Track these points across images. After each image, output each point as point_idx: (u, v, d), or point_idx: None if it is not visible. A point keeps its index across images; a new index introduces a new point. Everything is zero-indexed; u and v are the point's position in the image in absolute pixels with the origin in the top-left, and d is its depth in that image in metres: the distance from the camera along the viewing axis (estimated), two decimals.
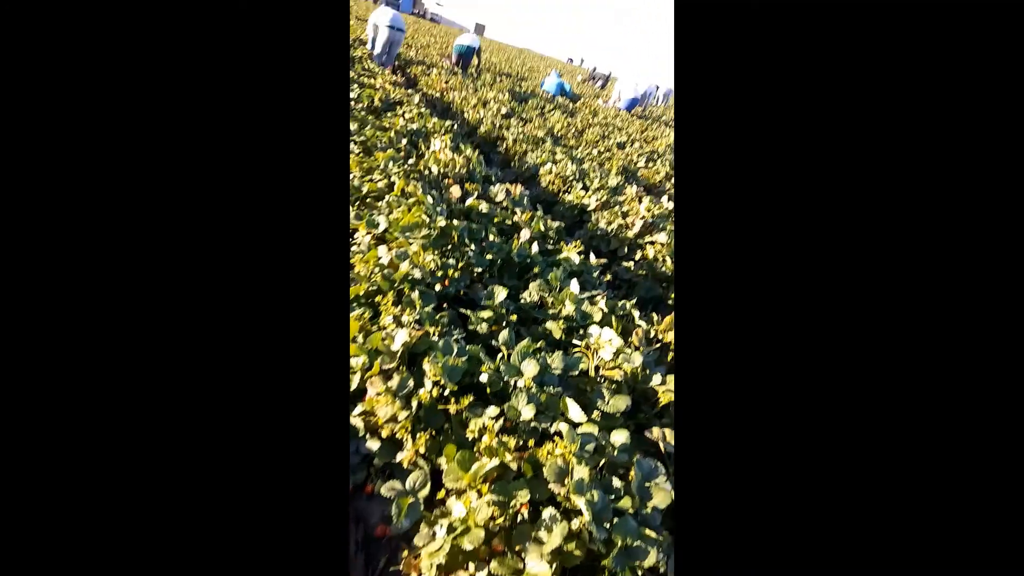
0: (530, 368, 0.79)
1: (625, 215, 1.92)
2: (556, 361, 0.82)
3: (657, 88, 11.79)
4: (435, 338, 0.88)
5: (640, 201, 2.09)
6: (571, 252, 1.39)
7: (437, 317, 0.95)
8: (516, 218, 1.56)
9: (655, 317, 1.12)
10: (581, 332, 1.03)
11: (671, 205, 2.07)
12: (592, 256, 1.40)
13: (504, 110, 3.75)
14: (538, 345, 0.86)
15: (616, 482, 0.65)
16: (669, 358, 1.05)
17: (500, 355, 0.85)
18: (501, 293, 1.05)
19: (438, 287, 1.10)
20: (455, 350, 0.83)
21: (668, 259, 1.61)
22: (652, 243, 1.73)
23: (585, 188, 2.26)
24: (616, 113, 6.26)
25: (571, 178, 2.35)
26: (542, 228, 1.50)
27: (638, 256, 1.71)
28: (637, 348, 1.00)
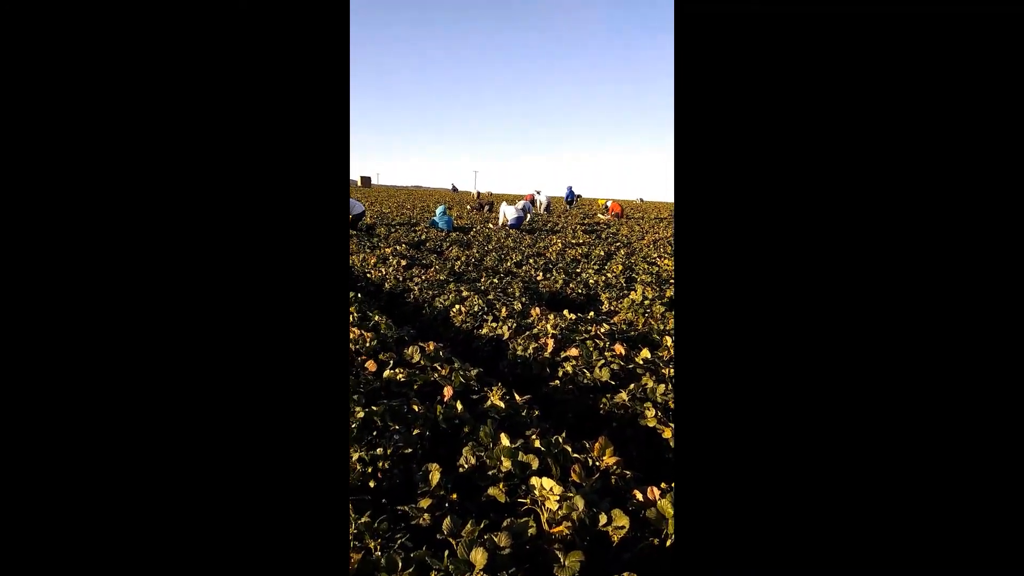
0: (479, 557, 0.78)
1: (537, 337, 2.10)
2: (504, 540, 0.82)
3: (538, 194, 13.92)
4: (377, 553, 0.84)
5: (545, 319, 2.32)
6: (495, 397, 1.46)
7: (376, 526, 0.92)
8: (436, 376, 1.63)
9: (586, 445, 1.20)
10: (524, 488, 1.05)
11: (572, 315, 2.33)
12: (515, 394, 1.49)
13: (404, 262, 4.05)
14: (481, 527, 0.87)
15: None
16: (613, 481, 1.11)
17: (447, 552, 0.83)
18: (436, 473, 1.05)
19: (372, 484, 1.07)
20: (400, 565, 0.80)
21: (586, 371, 1.77)
22: (567, 359, 1.89)
23: (496, 319, 2.45)
24: (507, 233, 7.08)
25: (480, 313, 2.54)
26: (463, 379, 1.58)
27: (560, 373, 1.84)
28: (580, 484, 1.05)
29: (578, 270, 4.15)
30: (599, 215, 13.82)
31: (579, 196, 22.45)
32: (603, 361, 1.77)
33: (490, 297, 2.83)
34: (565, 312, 2.38)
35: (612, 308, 3.05)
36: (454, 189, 32.09)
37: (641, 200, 34.69)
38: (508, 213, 8.14)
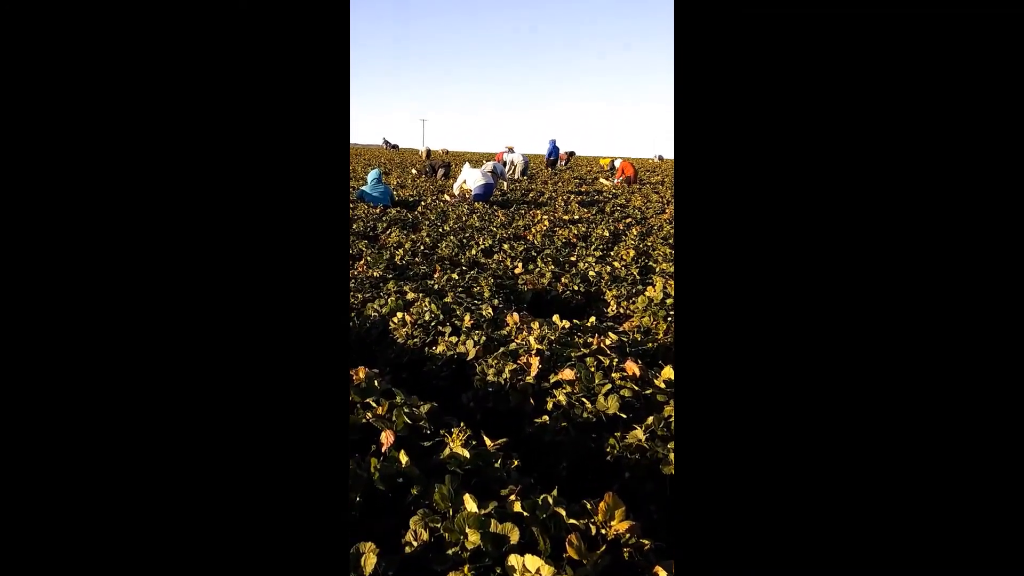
0: None
1: (516, 355, 2.11)
2: None
3: (509, 152, 14.09)
4: None
5: (527, 329, 2.33)
6: (456, 443, 1.46)
7: None
8: (370, 416, 1.61)
9: (587, 506, 1.21)
10: (499, 571, 1.05)
11: (565, 323, 2.35)
12: (485, 438, 1.49)
13: None
14: None
15: None
16: (626, 555, 1.12)
17: None
18: (370, 557, 1.03)
19: None
20: None
21: (586, 401, 1.78)
22: (559, 385, 1.90)
23: (456, 331, 2.44)
24: (470, 208, 7.08)
25: (434, 324, 2.53)
26: (409, 420, 1.57)
27: (549, 405, 1.85)
28: (579, 563, 1.06)
29: (573, 258, 4.19)
30: (601, 180, 14.00)
31: (572, 154, 22.78)
32: (609, 386, 1.79)
33: (447, 300, 2.82)
34: (556, 319, 2.40)
35: (621, 311, 3.09)
36: (390, 146, 31.57)
37: (660, 159, 35.32)
38: (471, 179, 8.11)
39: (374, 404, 1.68)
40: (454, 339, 2.33)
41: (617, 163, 14.78)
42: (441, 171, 13.35)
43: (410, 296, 2.97)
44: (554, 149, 17.34)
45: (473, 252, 4.39)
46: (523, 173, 14.07)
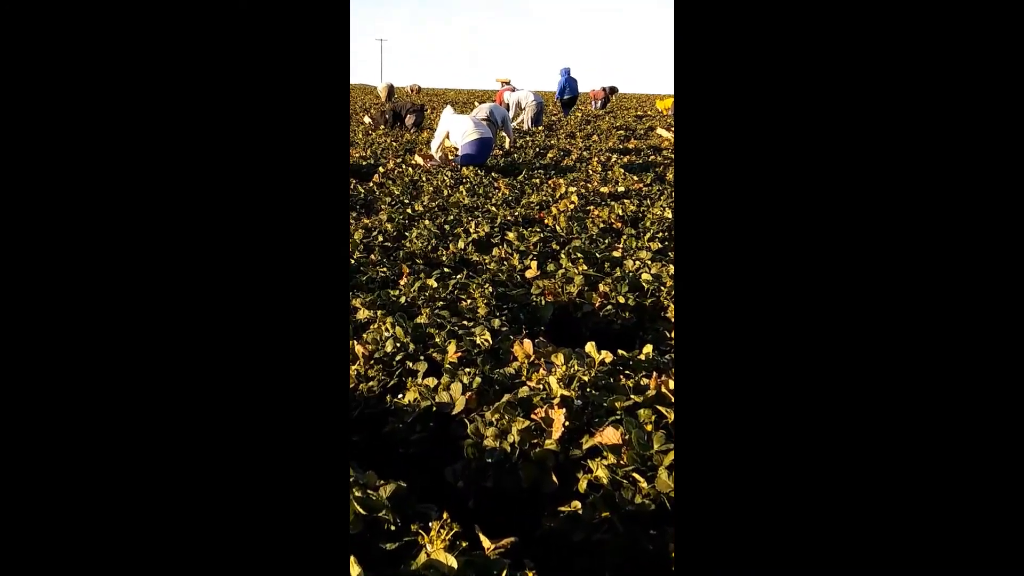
0: None
1: (529, 406, 2.11)
2: None
3: (512, 92, 14.12)
4: None
5: (546, 365, 2.33)
6: (437, 546, 1.46)
7: None
8: None
9: None
10: None
11: (606, 355, 2.35)
12: (482, 536, 1.49)
13: None
14: None
15: None
16: None
17: None
18: None
19: None
20: None
21: (639, 478, 1.78)
22: (599, 451, 1.90)
23: (435, 369, 2.45)
24: (456, 176, 7.11)
25: (400, 357, 2.54)
26: (361, 509, 1.57)
27: (582, 485, 1.85)
28: None
29: (616, 253, 4.20)
30: (660, 131, 14.04)
31: (614, 90, 22.83)
32: (673, 455, 1.79)
33: (421, 321, 2.83)
34: (591, 349, 2.40)
35: None
36: None
37: None
38: (458, 131, 8.14)
39: None
40: (432, 382, 2.34)
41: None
42: (410, 119, 13.43)
43: (362, 315, 2.99)
44: (567, 83, 17.35)
45: (461, 245, 4.42)
46: (535, 121, 14.11)
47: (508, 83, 14.78)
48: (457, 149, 8.09)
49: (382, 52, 61.94)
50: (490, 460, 1.98)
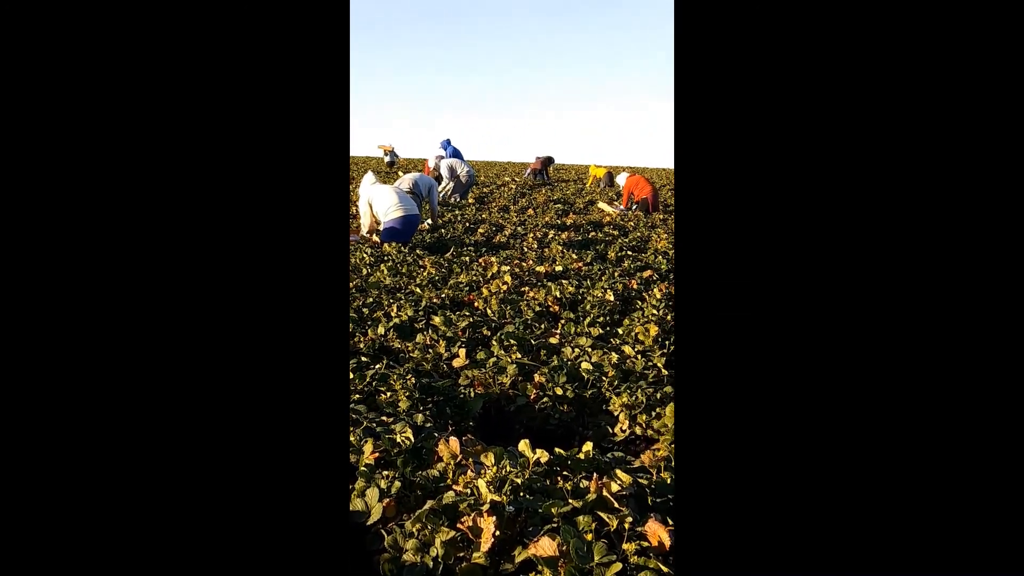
0: None
1: (455, 514, 2.08)
2: None
3: (439, 159, 14.03)
4: None
5: (474, 467, 2.30)
6: None
7: None
8: None
9: None
10: None
11: (542, 454, 2.34)
12: None
13: None
14: None
15: None
16: None
17: None
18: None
19: None
20: None
21: None
22: (533, 566, 1.87)
23: (349, 472, 2.39)
24: (374, 256, 7.12)
25: None
26: None
27: None
28: None
29: (554, 340, 4.23)
30: (601, 204, 14.36)
31: (550, 160, 23.30)
32: (619, 567, 1.78)
33: None
34: (524, 447, 2.39)
35: (638, 431, 3.10)
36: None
37: None
38: (382, 203, 8.12)
39: None
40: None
41: (622, 179, 15.10)
42: None
43: None
44: (453, 156, 15.33)
45: (381, 331, 4.39)
46: (462, 194, 14.24)
47: (392, 150, 14.69)
48: (383, 222, 8.05)
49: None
50: None
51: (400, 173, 19.82)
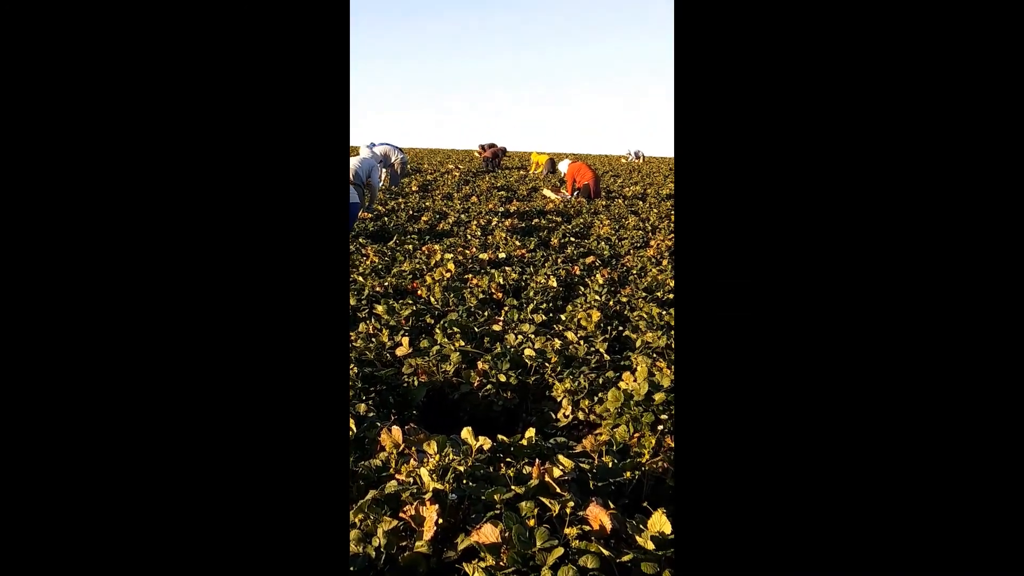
0: None
1: (397, 503, 2.07)
2: None
3: (371, 147, 13.76)
4: None
5: (417, 455, 2.29)
6: None
7: None
8: None
9: None
10: None
11: (484, 441, 2.34)
12: None
13: None
14: None
15: None
16: None
17: None
18: None
19: None
20: None
21: None
22: (476, 552, 1.87)
23: None
24: None
25: None
26: None
27: None
28: None
29: (497, 327, 4.23)
30: (546, 191, 14.38)
31: (502, 151, 23.25)
32: (561, 551, 1.79)
33: None
34: (467, 435, 2.39)
35: (580, 416, 3.12)
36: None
37: (638, 157, 37.02)
38: None
39: None
40: None
41: (564, 166, 15.09)
42: None
43: None
44: (373, 161, 15.11)
45: None
46: (395, 180, 14.08)
47: (374, 145, 14.50)
48: None
49: None
50: (352, 568, 1.92)
51: None
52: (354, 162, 9.58)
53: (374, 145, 15.04)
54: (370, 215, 9.57)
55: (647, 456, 2.64)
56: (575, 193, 13.50)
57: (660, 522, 1.88)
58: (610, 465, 2.45)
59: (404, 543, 1.95)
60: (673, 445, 2.65)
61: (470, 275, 5.84)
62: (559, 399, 3.25)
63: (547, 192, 14.30)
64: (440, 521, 1.95)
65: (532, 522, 1.92)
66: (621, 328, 4.40)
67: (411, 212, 10.33)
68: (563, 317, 4.59)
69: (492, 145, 23.22)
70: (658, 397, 2.89)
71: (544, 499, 2.02)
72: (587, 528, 1.90)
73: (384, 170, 13.68)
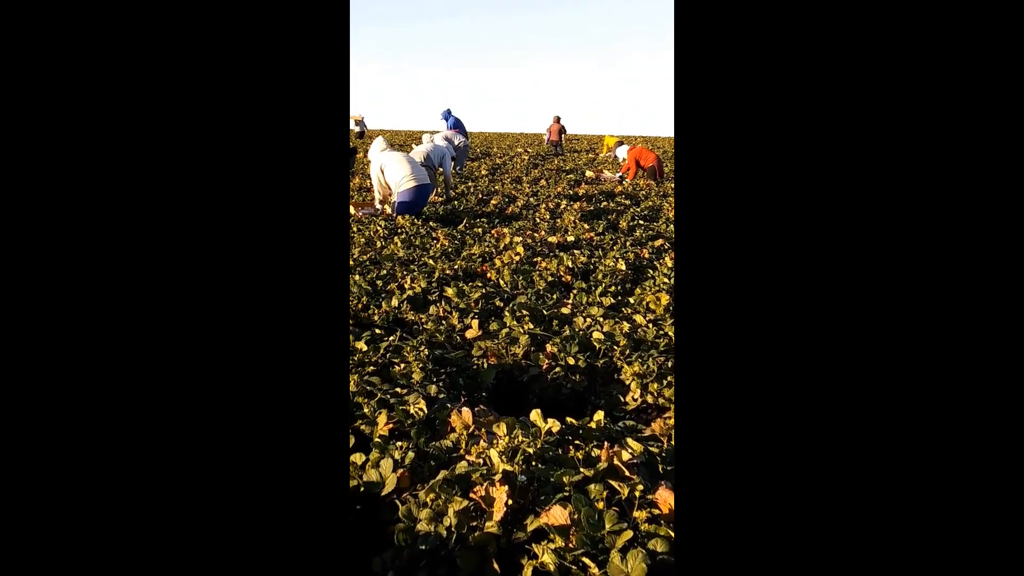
0: None
1: (468, 484, 2.08)
2: None
3: (433, 134, 13.86)
4: None
5: (487, 437, 2.31)
6: None
7: None
8: None
9: None
10: None
11: (553, 423, 2.34)
12: None
13: None
14: None
15: None
16: None
17: None
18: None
19: None
20: None
21: (590, 563, 1.77)
22: (545, 534, 1.88)
23: (364, 443, 2.40)
24: (388, 228, 7.11)
25: None
26: None
27: (527, 573, 1.82)
28: None
29: (566, 310, 4.23)
30: (605, 172, 14.29)
31: (563, 131, 23.17)
32: (630, 535, 1.78)
33: (350, 388, 2.79)
34: (536, 417, 2.39)
35: (649, 399, 3.10)
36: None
37: None
38: (395, 174, 7.94)
39: None
40: (359, 458, 2.30)
41: (622, 152, 14.93)
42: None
43: None
44: (455, 127, 15.50)
45: (394, 303, 4.39)
46: (459, 163, 14.08)
47: (362, 120, 14.54)
48: (397, 192, 7.94)
49: None
50: (424, 547, 1.94)
51: (370, 140, 20.13)
52: (426, 146, 9.60)
53: (449, 115, 15.18)
54: (441, 199, 9.63)
55: None
56: (641, 174, 13.37)
57: None
58: None
59: (474, 523, 1.96)
60: None
61: (539, 258, 5.83)
62: (627, 382, 3.23)
63: (607, 173, 14.24)
64: (510, 502, 1.96)
65: (601, 505, 1.92)
66: None
67: (480, 195, 10.36)
68: (632, 300, 4.55)
69: (559, 118, 23.07)
70: None
71: (613, 482, 2.02)
72: (656, 511, 1.89)
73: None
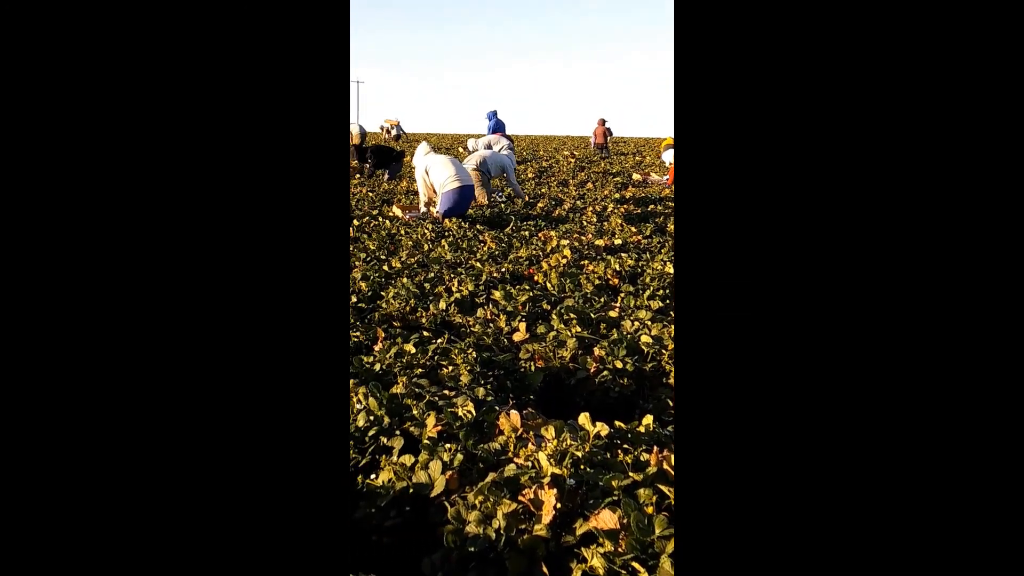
0: None
1: (516, 486, 2.08)
2: None
3: (476, 138, 13.70)
4: None
5: (535, 439, 2.30)
6: None
7: None
8: None
9: None
10: None
11: (602, 427, 2.33)
12: None
13: None
14: None
15: None
16: None
17: None
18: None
19: None
20: None
21: (640, 568, 1.76)
22: (594, 538, 1.88)
23: (413, 445, 2.41)
24: (435, 232, 7.15)
25: (373, 432, 2.51)
26: None
27: (576, 575, 1.81)
28: None
29: (614, 313, 4.21)
30: (652, 175, 14.24)
31: (609, 132, 23.00)
32: None
33: (397, 391, 2.82)
34: (584, 420, 2.38)
35: None
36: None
37: None
38: (439, 175, 8.01)
39: None
40: (408, 460, 2.31)
41: (669, 156, 14.78)
42: (383, 171, 13.43)
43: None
44: (497, 129, 15.07)
45: (442, 305, 4.41)
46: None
47: (398, 124, 14.54)
48: (436, 192, 8.02)
49: (359, 94, 62.61)
50: (473, 549, 1.95)
51: (401, 143, 20.46)
52: (482, 153, 9.65)
53: (494, 115, 15.07)
54: (520, 204, 9.66)
55: None
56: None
57: None
58: None
59: (523, 526, 1.96)
60: None
61: (586, 261, 5.82)
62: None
63: (653, 176, 14.19)
64: (559, 505, 1.96)
65: (650, 509, 1.90)
66: None
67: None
68: None
69: (604, 121, 23.00)
70: None
71: (662, 487, 2.00)
72: None
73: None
